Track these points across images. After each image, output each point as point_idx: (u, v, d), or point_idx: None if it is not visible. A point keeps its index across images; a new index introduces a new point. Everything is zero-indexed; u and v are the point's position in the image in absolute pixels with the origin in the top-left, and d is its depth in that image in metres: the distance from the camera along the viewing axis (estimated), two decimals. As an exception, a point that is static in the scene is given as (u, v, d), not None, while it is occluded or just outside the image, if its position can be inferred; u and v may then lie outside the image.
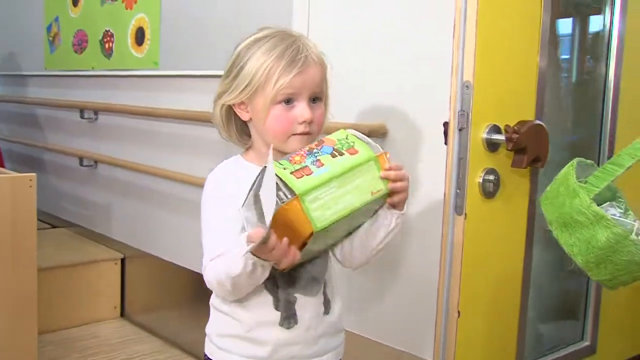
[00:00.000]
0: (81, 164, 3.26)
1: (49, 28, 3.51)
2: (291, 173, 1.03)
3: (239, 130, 1.23)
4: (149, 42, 2.78)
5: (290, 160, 1.06)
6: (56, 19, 3.44)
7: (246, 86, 1.16)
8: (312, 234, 1.02)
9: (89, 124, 3.24)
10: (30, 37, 3.68)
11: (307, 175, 1.03)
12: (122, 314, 3.13)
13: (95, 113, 3.21)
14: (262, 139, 1.20)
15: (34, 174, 2.40)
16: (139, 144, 2.94)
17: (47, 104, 3.51)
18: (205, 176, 1.22)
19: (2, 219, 2.28)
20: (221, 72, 1.23)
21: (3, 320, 2.23)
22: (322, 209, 1.02)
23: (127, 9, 2.90)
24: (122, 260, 3.12)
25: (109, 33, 3.03)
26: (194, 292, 2.69)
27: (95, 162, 3.24)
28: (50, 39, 3.50)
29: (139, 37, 2.83)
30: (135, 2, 2.85)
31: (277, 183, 1.01)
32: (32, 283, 2.33)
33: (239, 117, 1.21)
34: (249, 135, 1.23)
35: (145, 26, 2.79)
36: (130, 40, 2.89)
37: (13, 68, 3.84)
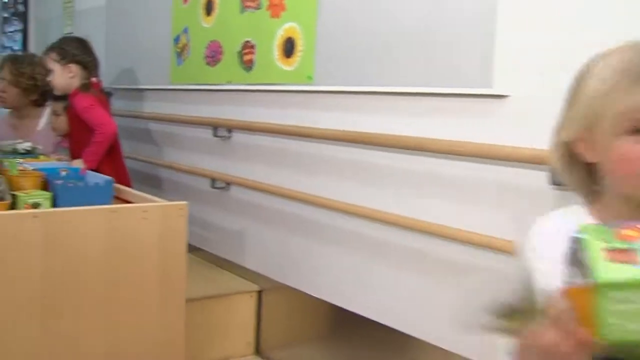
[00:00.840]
0: (212, 186, 3.01)
1: (176, 39, 3.29)
2: (607, 250, 0.70)
3: (583, 175, 0.90)
4: (301, 54, 2.50)
5: (618, 233, 0.72)
6: (185, 30, 3.22)
7: (583, 115, 0.84)
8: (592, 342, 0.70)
9: (222, 142, 2.99)
10: (155, 50, 3.47)
11: (629, 262, 0.70)
12: (257, 350, 2.86)
13: (229, 130, 2.97)
14: (611, 186, 0.87)
15: (185, 202, 2.15)
16: (278, 164, 2.67)
17: (175, 120, 3.29)
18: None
19: (151, 249, 2.09)
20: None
21: (150, 353, 2.09)
22: (624, 318, 0.69)
23: (273, 17, 2.64)
24: (259, 293, 2.85)
25: (249, 44, 2.77)
26: (335, 328, 2.40)
27: (228, 183, 2.99)
28: (178, 50, 3.28)
29: (288, 48, 2.56)
30: (284, 10, 2.58)
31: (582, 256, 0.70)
32: (180, 315, 2.17)
33: (583, 158, 0.88)
34: (596, 182, 0.90)
35: (296, 36, 2.51)
36: (276, 52, 2.62)
37: (135, 81, 3.65)
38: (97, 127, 2.77)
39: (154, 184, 3.43)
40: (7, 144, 3.13)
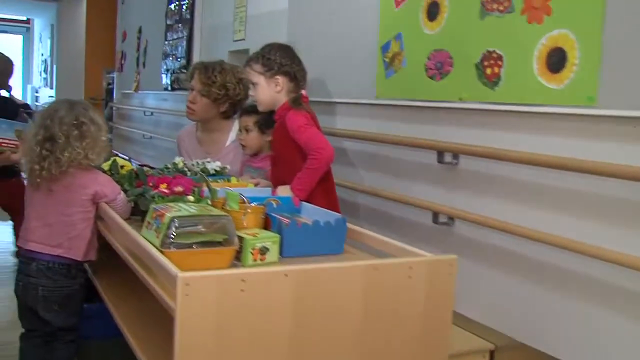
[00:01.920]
0: (435, 221, 2.57)
1: (385, 47, 2.88)
2: None
3: None
4: (576, 69, 2.00)
5: None
6: (398, 36, 2.80)
7: None
8: None
9: (447, 169, 2.55)
10: (355, 59, 3.08)
11: None
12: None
13: (456, 157, 2.51)
14: None
15: (454, 256, 1.72)
16: (513, 198, 2.20)
17: (381, 140, 2.88)
18: None
19: (415, 309, 1.70)
20: None
21: None
22: None
23: (531, 22, 2.16)
24: (491, 353, 2.38)
25: (494, 55, 2.30)
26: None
27: (452, 218, 2.54)
28: (387, 60, 2.87)
29: (555, 61, 2.07)
30: (548, 14, 2.09)
31: None
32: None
33: None
34: None
35: (569, 46, 2.02)
36: (536, 65, 2.13)
37: (328, 94, 3.27)
38: (313, 151, 2.39)
39: (352, 212, 3.03)
40: (196, 163, 2.83)
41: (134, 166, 2.62)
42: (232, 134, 3.18)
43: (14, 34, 16.65)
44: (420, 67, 2.67)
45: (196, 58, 5.25)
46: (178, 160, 2.82)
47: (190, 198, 1.99)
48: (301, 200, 2.34)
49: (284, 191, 2.40)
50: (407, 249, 1.78)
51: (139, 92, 6.95)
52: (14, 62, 4.68)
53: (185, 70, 5.25)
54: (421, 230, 2.66)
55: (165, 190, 1.90)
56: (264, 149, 2.94)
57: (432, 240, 2.60)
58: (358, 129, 3.04)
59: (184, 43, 5.41)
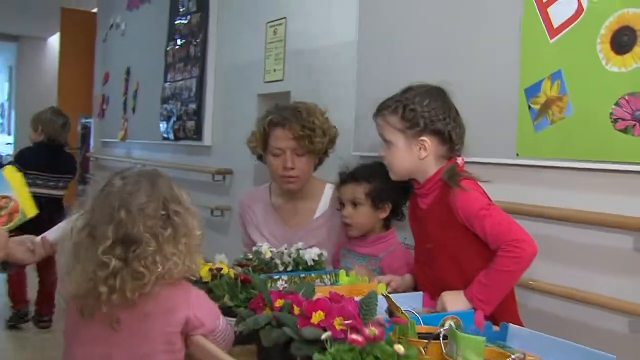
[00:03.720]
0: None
1: (531, 91, 2.17)
2: None
3: None
4: None
5: None
6: (556, 75, 2.09)
7: None
8: None
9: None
10: (483, 107, 2.35)
11: None
12: None
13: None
14: None
15: None
16: None
17: (540, 215, 2.13)
18: None
19: None
20: None
21: None
22: None
23: None
24: None
25: None
26: None
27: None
28: (536, 108, 2.15)
29: None
30: None
31: None
32: None
33: None
34: None
35: None
36: None
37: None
38: (507, 244, 1.62)
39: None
40: (286, 250, 2.04)
41: (231, 266, 1.81)
42: (325, 201, 2.40)
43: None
44: (601, 116, 1.96)
45: (209, 102, 4.47)
46: (265, 248, 2.03)
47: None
48: (486, 317, 1.58)
49: (454, 301, 1.63)
50: None
51: (127, 141, 6.10)
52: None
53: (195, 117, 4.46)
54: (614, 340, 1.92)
55: (358, 339, 1.11)
56: (376, 228, 2.18)
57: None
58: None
59: (194, 85, 4.62)
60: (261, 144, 2.37)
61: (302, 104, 2.36)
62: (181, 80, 4.83)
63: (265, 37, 3.83)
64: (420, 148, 1.80)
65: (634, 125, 1.88)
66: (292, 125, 2.26)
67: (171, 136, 4.95)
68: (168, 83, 5.05)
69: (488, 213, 1.67)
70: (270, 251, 2.02)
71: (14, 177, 1.85)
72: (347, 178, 2.19)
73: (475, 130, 2.33)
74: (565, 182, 2.08)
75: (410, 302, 1.70)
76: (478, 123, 2.34)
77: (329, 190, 2.42)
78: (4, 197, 1.75)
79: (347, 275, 1.99)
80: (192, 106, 4.62)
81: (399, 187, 2.16)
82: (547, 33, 2.13)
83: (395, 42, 2.78)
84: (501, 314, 1.63)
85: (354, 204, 2.15)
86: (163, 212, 1.43)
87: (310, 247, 2.29)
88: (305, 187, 2.38)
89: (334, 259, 2.24)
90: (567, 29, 2.06)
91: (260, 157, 2.45)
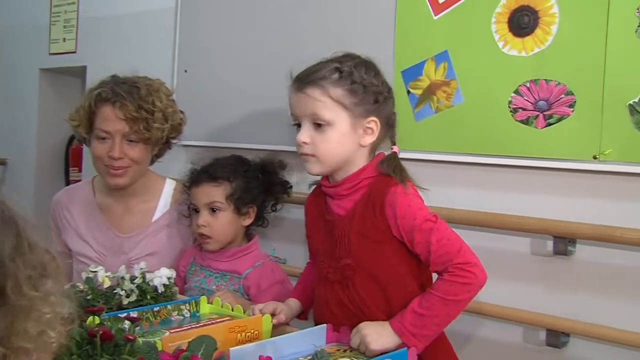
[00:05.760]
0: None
1: (410, 74, 1.89)
2: None
3: None
4: None
5: None
6: (442, 57, 1.84)
7: None
8: None
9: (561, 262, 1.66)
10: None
11: None
12: None
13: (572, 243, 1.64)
14: None
15: None
16: None
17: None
18: None
19: None
20: None
21: None
22: None
23: None
24: None
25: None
26: None
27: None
28: (416, 93, 1.88)
29: None
30: None
31: None
32: None
33: None
34: None
35: None
36: None
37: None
38: (455, 267, 1.27)
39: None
40: (127, 275, 1.57)
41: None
42: (165, 199, 1.93)
43: None
44: (498, 105, 1.73)
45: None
46: (101, 274, 1.50)
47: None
48: (418, 354, 1.26)
49: (378, 335, 1.28)
50: None
51: None
52: None
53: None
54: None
55: None
56: (237, 239, 1.76)
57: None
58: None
59: None
60: (85, 124, 1.84)
61: (144, 79, 1.87)
62: None
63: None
64: (364, 132, 1.39)
65: (537, 116, 1.68)
66: (125, 104, 1.77)
67: None
68: None
69: (435, 227, 1.31)
70: (108, 278, 1.50)
71: None
72: (201, 177, 1.73)
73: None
74: (451, 179, 1.84)
75: (312, 339, 1.32)
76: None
77: (169, 186, 1.96)
78: None
79: (208, 302, 1.56)
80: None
81: (262, 186, 1.77)
82: (430, 8, 1.85)
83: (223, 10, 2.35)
84: (435, 352, 1.31)
85: (212, 210, 1.70)
86: None
87: (150, 254, 1.84)
88: (140, 183, 1.90)
89: (181, 278, 1.78)
90: (456, 4, 1.81)
91: (84, 141, 1.91)
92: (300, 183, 1.86)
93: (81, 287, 1.47)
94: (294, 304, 1.53)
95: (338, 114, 1.35)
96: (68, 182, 3.25)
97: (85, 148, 2.84)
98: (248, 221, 1.75)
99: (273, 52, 2.20)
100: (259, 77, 2.23)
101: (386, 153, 1.45)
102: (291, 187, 1.82)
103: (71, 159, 3.24)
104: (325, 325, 1.37)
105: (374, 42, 1.93)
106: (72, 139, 3.26)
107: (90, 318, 1.24)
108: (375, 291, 1.36)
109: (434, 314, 1.27)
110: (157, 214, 1.93)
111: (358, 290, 1.38)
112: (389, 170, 1.37)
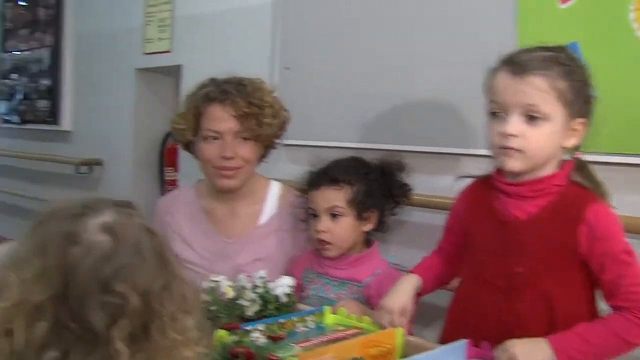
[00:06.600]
0: None
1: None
2: None
3: None
4: None
5: None
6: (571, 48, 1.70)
7: None
8: None
9: None
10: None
11: None
12: None
13: None
14: None
15: None
16: None
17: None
18: None
19: None
20: None
21: None
22: None
23: None
24: None
25: None
26: None
27: None
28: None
29: None
30: None
31: None
32: None
33: None
34: None
35: None
36: None
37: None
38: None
39: None
40: (249, 284, 1.52)
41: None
42: (271, 202, 1.88)
43: None
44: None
45: (68, 78, 3.69)
46: (224, 284, 1.46)
47: None
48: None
49: (531, 352, 1.18)
50: None
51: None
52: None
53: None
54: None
55: None
56: (357, 245, 1.69)
57: None
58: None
59: (47, 56, 3.78)
60: (192, 126, 1.80)
61: (246, 77, 1.82)
62: (27, 50, 3.96)
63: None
64: (571, 133, 1.28)
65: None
66: (236, 101, 1.72)
67: (15, 119, 4.07)
68: (8, 54, 4.14)
69: (631, 261, 1.22)
70: (231, 287, 1.46)
71: None
72: (320, 180, 1.66)
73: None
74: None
75: (451, 356, 1.24)
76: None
77: (275, 189, 1.90)
78: None
79: (341, 314, 1.49)
80: (45, 82, 3.79)
81: (382, 189, 1.69)
82: (556, -3, 1.73)
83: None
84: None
85: (333, 215, 1.63)
86: None
87: (258, 259, 1.80)
88: (247, 186, 1.85)
89: (298, 285, 1.72)
90: (592, -11, 1.68)
91: (187, 147, 1.88)
92: (419, 184, 1.77)
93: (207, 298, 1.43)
94: (416, 281, 1.45)
95: (557, 109, 1.24)
96: (163, 182, 3.27)
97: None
98: (369, 226, 1.67)
99: (384, 45, 2.10)
100: (367, 72, 2.15)
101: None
102: (411, 189, 1.74)
103: (166, 159, 3.24)
104: (464, 341, 1.28)
105: (494, 35, 1.82)
106: (166, 138, 3.27)
107: (222, 332, 1.20)
108: (541, 308, 1.27)
109: (599, 345, 1.19)
110: (264, 218, 1.87)
111: (524, 304, 1.28)
112: (585, 182, 1.27)
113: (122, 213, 0.80)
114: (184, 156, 2.86)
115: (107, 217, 0.78)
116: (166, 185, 3.23)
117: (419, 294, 1.47)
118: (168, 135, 3.26)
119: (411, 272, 1.48)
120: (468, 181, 1.46)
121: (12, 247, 0.82)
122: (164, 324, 0.77)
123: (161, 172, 3.29)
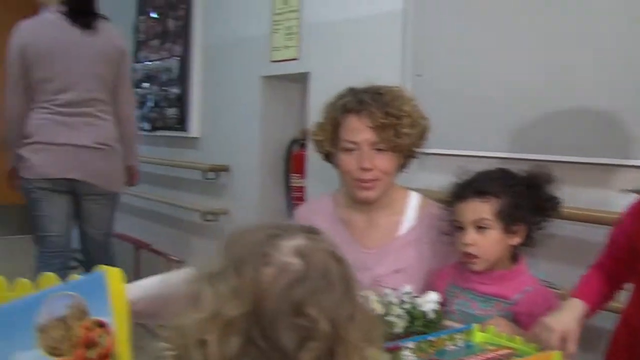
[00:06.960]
0: None
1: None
2: None
3: None
4: None
5: None
6: None
7: None
8: None
9: None
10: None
11: None
12: None
13: None
14: None
15: None
16: None
17: None
18: None
19: None
20: None
21: None
22: None
23: None
24: None
25: None
26: None
27: None
28: None
29: None
30: None
31: None
32: None
33: None
34: None
35: None
36: None
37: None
38: None
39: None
40: (396, 299, 1.48)
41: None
42: (410, 213, 1.84)
43: None
44: None
45: (196, 86, 3.81)
46: (373, 298, 1.44)
47: None
48: None
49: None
50: None
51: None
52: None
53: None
54: None
55: None
56: (504, 260, 1.62)
57: None
58: None
59: (176, 66, 3.93)
60: (330, 137, 1.79)
61: (384, 86, 1.79)
62: (158, 60, 4.13)
63: (271, 7, 3.20)
64: None
65: None
66: (372, 111, 1.69)
67: (146, 126, 4.25)
68: (141, 64, 4.34)
69: None
70: (379, 302, 1.44)
71: (118, 290, 1.07)
72: (467, 192, 1.61)
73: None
74: None
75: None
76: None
77: (414, 200, 1.87)
78: (99, 323, 1.04)
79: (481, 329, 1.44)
80: (175, 91, 3.94)
81: (535, 203, 1.61)
82: None
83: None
84: None
85: (479, 227, 1.58)
86: None
87: (396, 271, 1.77)
88: (386, 196, 1.82)
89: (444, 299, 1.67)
90: None
91: (327, 157, 1.87)
92: (571, 197, 1.68)
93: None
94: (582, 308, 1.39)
95: None
96: (289, 188, 3.30)
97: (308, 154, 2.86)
98: (517, 240, 1.60)
99: (524, 52, 2.02)
100: (508, 78, 2.07)
101: None
102: (560, 202, 1.65)
103: (293, 165, 3.27)
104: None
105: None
106: (292, 144, 3.31)
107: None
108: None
109: None
110: (403, 229, 1.83)
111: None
112: None
113: (311, 238, 0.80)
114: (312, 163, 2.88)
115: (298, 240, 0.79)
116: (292, 191, 3.26)
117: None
118: (294, 142, 3.30)
119: (574, 296, 1.41)
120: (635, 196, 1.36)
121: (189, 272, 0.84)
122: (348, 350, 0.77)
123: (287, 179, 3.33)
